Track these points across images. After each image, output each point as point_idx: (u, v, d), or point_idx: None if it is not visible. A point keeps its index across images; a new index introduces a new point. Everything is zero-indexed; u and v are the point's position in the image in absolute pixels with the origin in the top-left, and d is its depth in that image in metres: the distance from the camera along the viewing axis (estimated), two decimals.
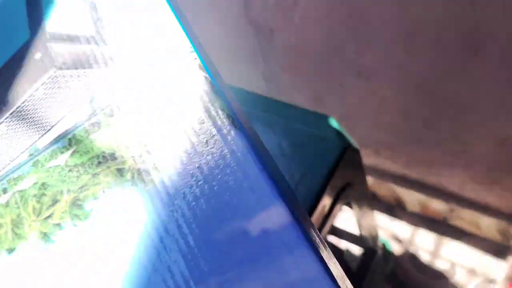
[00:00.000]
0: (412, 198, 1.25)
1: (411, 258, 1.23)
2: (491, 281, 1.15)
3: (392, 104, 1.00)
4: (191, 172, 0.34)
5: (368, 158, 1.24)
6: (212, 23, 1.11)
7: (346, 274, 0.34)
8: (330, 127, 0.74)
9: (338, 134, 0.73)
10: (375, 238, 1.06)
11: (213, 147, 0.33)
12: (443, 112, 0.94)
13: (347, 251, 1.29)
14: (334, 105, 1.11)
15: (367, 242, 1.05)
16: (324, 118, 0.75)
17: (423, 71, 0.87)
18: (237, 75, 1.21)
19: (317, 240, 0.31)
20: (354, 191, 0.82)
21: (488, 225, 1.17)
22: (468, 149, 1.00)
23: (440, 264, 1.21)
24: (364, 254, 1.07)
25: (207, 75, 0.35)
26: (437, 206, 1.21)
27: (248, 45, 1.10)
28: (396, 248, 1.26)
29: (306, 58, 1.02)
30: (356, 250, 1.29)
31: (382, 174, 1.28)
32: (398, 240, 1.27)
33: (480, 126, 0.92)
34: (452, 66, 0.83)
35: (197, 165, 0.34)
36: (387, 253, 1.21)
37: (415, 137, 1.06)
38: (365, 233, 0.99)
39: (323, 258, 0.30)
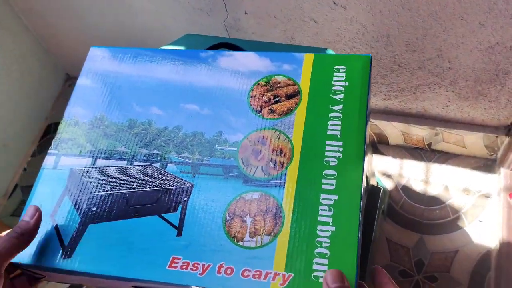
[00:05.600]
0: (394, 131, 1.22)
1: (404, 190, 1.21)
2: (487, 195, 1.15)
3: (372, 31, 0.94)
4: None
5: None
6: None
7: None
8: None
9: None
10: (373, 176, 1.02)
11: None
12: (428, 30, 0.89)
13: None
14: (309, 43, 1.02)
15: (369, 181, 1.00)
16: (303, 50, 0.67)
17: None
18: (197, 28, 1.09)
19: None
20: None
21: (473, 142, 1.16)
22: (454, 65, 0.96)
23: (433, 190, 1.19)
24: (370, 194, 1.03)
25: None
26: (421, 133, 1.19)
27: None
28: (387, 184, 1.23)
29: None
30: None
31: None
32: (387, 175, 1.24)
33: (467, 37, 0.88)
34: None
35: None
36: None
37: (397, 64, 1.01)
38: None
39: None
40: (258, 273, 0.39)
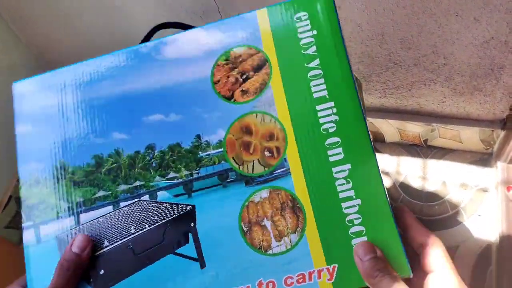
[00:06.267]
0: (390, 128, 1.22)
1: (402, 187, 1.21)
2: (484, 190, 1.16)
3: (367, 30, 0.94)
4: None
5: None
6: None
7: None
8: None
9: None
10: None
11: None
12: (423, 27, 0.89)
13: None
14: None
15: None
16: None
17: None
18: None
19: None
20: None
21: (469, 137, 1.16)
22: (449, 61, 0.96)
23: (431, 186, 1.20)
24: None
25: None
26: (417, 129, 1.19)
27: None
28: (385, 181, 1.23)
29: None
30: None
31: None
32: (384, 173, 1.24)
33: (462, 32, 0.88)
34: None
35: None
36: None
37: (392, 61, 1.01)
38: None
39: None
40: (301, 276, 0.35)
